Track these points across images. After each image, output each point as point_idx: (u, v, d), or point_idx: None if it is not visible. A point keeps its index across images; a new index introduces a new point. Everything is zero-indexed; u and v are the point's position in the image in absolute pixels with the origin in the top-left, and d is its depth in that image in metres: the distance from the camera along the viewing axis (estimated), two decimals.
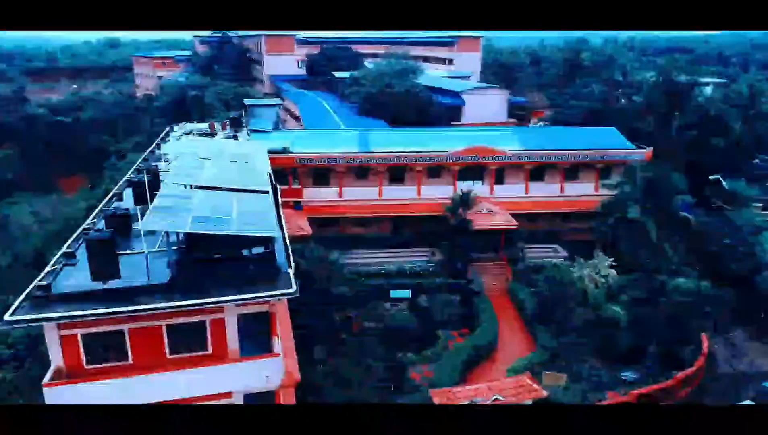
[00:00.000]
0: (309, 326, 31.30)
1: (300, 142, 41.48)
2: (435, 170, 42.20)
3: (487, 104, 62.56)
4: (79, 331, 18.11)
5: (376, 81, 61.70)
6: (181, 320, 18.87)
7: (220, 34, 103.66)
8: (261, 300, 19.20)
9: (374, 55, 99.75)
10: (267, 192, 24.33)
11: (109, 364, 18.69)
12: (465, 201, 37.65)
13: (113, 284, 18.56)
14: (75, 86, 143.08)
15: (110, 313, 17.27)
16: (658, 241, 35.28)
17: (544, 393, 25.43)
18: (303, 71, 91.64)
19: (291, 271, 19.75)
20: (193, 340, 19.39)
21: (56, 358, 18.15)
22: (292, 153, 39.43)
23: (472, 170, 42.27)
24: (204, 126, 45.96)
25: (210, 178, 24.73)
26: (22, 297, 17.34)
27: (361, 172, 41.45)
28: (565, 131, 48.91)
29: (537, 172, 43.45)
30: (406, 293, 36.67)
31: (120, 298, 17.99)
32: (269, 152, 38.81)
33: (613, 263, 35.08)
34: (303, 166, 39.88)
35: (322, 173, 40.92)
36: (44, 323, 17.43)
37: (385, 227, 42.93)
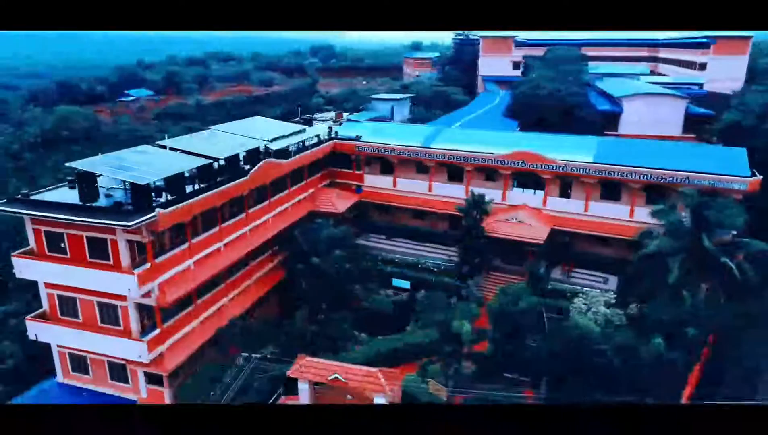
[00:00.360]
0: (311, 294, 36.34)
1: (376, 133, 45.47)
2: (492, 174, 40.91)
3: (655, 113, 54.17)
4: (42, 228, 27.87)
5: (532, 82, 59.87)
6: (91, 234, 26.87)
7: (462, 36, 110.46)
8: (134, 229, 25.79)
9: (604, 58, 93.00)
10: (214, 158, 30.78)
11: (57, 255, 28.00)
12: (478, 204, 36.28)
13: (69, 201, 27.64)
14: (365, 82, 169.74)
15: (35, 214, 26.50)
16: (679, 285, 28.28)
17: (387, 390, 25.42)
18: (518, 72, 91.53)
19: (156, 213, 25.75)
20: (102, 252, 27.17)
21: (30, 242, 28.33)
22: (357, 141, 43.96)
23: (531, 177, 39.48)
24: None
25: (192, 145, 32.34)
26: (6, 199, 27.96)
27: (421, 166, 43.16)
28: (670, 147, 40.06)
29: (613, 191, 37.83)
30: (406, 284, 37.93)
31: (67, 211, 26.83)
32: (340, 139, 44.59)
33: (611, 301, 29.95)
34: (362, 154, 43.98)
35: (385, 162, 44.19)
36: (24, 217, 27.68)
37: (439, 222, 43.79)
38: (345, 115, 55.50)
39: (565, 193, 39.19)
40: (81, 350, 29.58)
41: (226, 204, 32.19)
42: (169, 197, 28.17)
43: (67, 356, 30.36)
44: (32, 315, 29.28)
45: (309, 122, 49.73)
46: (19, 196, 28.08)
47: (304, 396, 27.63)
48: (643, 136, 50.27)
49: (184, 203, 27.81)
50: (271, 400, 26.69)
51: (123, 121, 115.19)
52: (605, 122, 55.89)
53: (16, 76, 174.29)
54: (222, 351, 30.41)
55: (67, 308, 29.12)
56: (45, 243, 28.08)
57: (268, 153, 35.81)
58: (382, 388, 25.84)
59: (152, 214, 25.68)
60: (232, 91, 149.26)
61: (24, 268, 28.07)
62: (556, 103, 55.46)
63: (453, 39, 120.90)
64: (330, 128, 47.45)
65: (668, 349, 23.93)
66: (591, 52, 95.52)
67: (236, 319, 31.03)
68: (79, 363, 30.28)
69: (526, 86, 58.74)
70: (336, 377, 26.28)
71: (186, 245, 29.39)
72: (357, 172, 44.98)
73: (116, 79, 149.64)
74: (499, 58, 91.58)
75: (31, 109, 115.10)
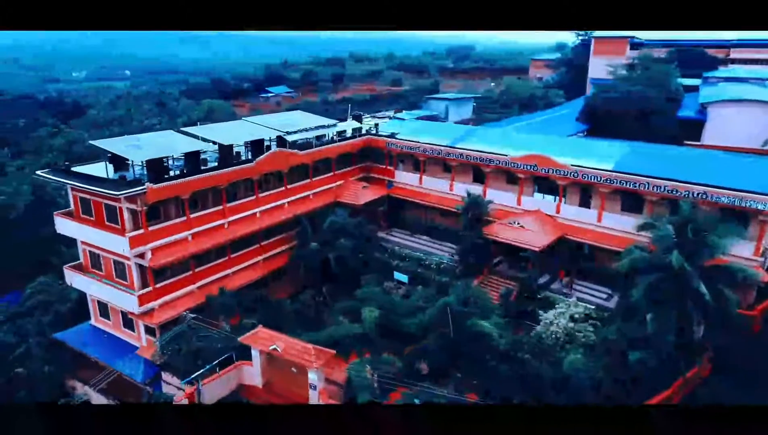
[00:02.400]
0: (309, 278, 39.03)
1: (412, 130, 46.32)
2: (513, 177, 39.66)
3: (743, 122, 47.69)
4: (78, 194, 33.86)
5: (606, 86, 56.01)
6: (108, 202, 32.09)
7: (583, 36, 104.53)
8: (130, 199, 30.43)
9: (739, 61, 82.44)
10: (217, 143, 34.66)
11: (87, 217, 33.82)
12: (474, 204, 35.59)
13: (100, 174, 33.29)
14: (493, 84, 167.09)
15: (67, 183, 32.33)
16: (648, 306, 25.75)
17: (315, 365, 26.96)
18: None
19: (146, 186, 30.07)
20: (114, 217, 32.29)
21: (71, 206, 34.50)
22: (389, 138, 45.30)
23: (551, 183, 37.62)
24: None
25: (213, 132, 36.63)
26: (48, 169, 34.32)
27: (447, 166, 43.16)
28: (707, 157, 35.05)
29: (634, 203, 34.73)
30: (405, 278, 38.60)
31: (86, 181, 32.48)
32: (374, 135, 46.48)
33: (578, 314, 28.26)
34: (393, 151, 45.10)
35: (417, 160, 44.87)
36: (65, 183, 33.85)
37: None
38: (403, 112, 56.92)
39: (585, 202, 36.82)
40: (103, 299, 35.26)
41: (234, 185, 35.89)
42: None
43: (96, 303, 36.34)
44: (69, 265, 35.61)
45: (359, 118, 52.10)
46: (63, 167, 34.40)
47: (255, 362, 30.19)
48: (725, 148, 44.66)
49: (175, 181, 31.91)
50: (218, 360, 29.57)
51: (257, 114, 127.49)
52: (689, 131, 50.41)
53: (192, 74, 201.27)
54: (210, 315, 34.11)
55: (95, 262, 34.95)
56: (80, 207, 34.09)
57: (294, 143, 39.12)
58: (311, 363, 27.46)
59: (141, 188, 30.04)
60: (358, 90, 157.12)
61: (62, 225, 34.32)
62: (629, 108, 51.34)
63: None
64: (376, 125, 49.41)
65: (606, 370, 22.44)
66: (739, 54, 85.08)
67: (225, 289, 34.50)
68: (103, 310, 36.09)
69: (599, 89, 55.02)
70: (275, 348, 28.45)
71: (184, 218, 33.53)
72: (389, 167, 46.37)
73: (262, 77, 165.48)
74: (611, 60, 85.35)
75: (183, 102, 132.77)
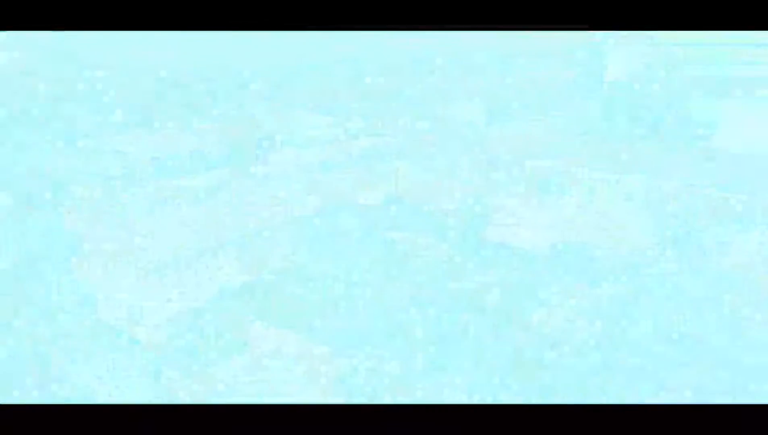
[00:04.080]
0: None
1: None
2: None
3: (757, 124, 46.53)
4: None
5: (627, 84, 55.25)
6: None
7: (602, 36, 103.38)
8: None
9: None
10: None
11: None
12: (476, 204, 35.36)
13: None
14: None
15: None
16: (641, 308, 25.21)
17: (310, 362, 26.94)
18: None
19: None
20: None
21: None
22: None
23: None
24: None
25: None
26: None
27: None
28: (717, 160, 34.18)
29: None
30: None
31: None
32: None
33: None
34: None
35: None
36: None
37: None
38: None
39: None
40: (108, 293, 35.91)
41: None
42: None
43: (102, 297, 37.00)
44: (76, 259, 36.33)
45: None
46: None
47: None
48: (735, 150, 43.62)
49: None
50: (217, 355, 29.78)
51: None
52: (701, 132, 49.45)
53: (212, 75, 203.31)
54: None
55: None
56: None
57: None
58: (307, 359, 27.51)
59: None
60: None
61: None
62: (641, 109, 50.56)
63: None
64: None
65: (598, 369, 21.83)
66: (765, 54, 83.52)
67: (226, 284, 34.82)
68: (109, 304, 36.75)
69: (612, 89, 54.26)
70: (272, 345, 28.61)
71: None
72: None
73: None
74: (627, 61, 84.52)
75: (199, 102, 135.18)
